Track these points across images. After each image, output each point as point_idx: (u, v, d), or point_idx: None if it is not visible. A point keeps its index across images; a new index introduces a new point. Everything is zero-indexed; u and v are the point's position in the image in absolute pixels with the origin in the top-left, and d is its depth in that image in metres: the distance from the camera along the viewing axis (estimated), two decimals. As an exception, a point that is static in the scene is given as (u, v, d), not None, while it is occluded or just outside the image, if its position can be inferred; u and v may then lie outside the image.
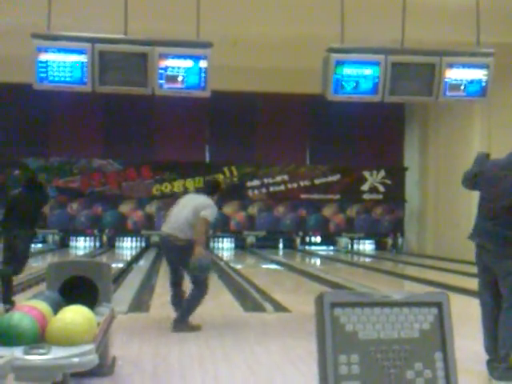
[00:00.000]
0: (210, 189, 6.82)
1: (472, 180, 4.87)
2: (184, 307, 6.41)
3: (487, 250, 4.60)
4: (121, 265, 13.64)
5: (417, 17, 8.08)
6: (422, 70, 6.78)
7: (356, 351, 1.68)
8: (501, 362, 4.41)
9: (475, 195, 16.90)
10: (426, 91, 6.81)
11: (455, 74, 6.78)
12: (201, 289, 6.41)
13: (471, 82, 6.82)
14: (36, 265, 12.18)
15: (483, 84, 6.84)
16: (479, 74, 6.83)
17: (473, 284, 8.99)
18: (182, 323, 6.33)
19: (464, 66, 6.81)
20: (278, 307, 8.09)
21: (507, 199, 4.52)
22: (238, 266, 14.53)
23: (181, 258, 6.33)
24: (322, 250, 20.64)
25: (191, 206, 6.45)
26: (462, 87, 6.82)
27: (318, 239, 21.26)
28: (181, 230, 6.38)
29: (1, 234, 7.76)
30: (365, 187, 21.28)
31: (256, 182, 20.99)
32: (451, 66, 6.76)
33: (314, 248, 20.87)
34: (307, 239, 21.12)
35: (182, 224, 6.39)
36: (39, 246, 19.07)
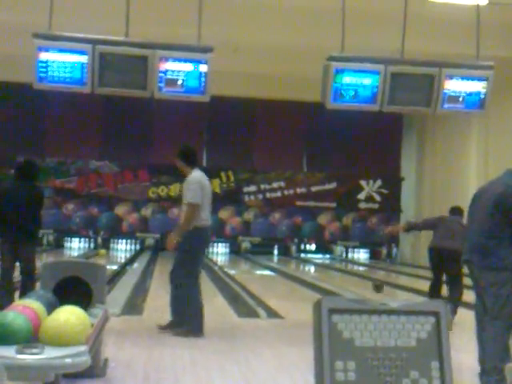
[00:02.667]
0: (184, 158, 6.32)
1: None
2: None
3: (473, 263, 4.63)
4: (115, 267, 13.62)
5: (417, 28, 8.11)
6: (421, 80, 6.80)
7: (353, 358, 1.68)
8: (491, 374, 4.41)
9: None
10: (425, 102, 6.84)
11: (454, 86, 6.80)
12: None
13: (470, 94, 6.85)
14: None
15: (482, 96, 6.86)
16: (478, 87, 6.86)
17: (465, 295, 8.98)
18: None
19: (463, 78, 6.83)
20: (272, 313, 8.08)
21: (486, 212, 4.55)
22: (233, 272, 14.52)
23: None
24: (318, 257, 20.63)
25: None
26: (461, 99, 6.85)
27: (313, 247, 21.24)
28: None
29: None
30: (361, 196, 21.30)
31: (252, 188, 21.00)
32: (450, 77, 6.79)
33: (309, 256, 20.86)
34: (302, 247, 21.10)
35: None
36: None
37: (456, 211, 8.65)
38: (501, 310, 4.46)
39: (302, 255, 20.80)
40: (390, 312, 1.74)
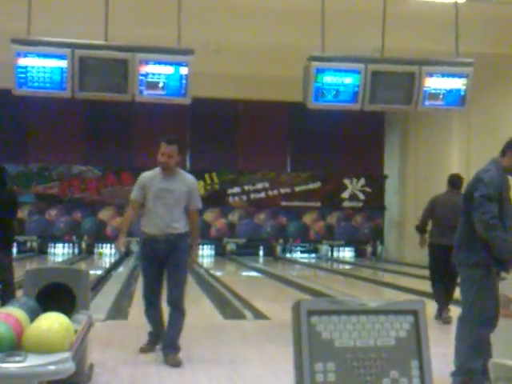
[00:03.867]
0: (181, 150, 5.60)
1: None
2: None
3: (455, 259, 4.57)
4: (99, 272, 13.55)
5: (397, 26, 8.14)
6: (401, 78, 6.83)
7: (332, 359, 1.69)
8: (458, 374, 4.36)
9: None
10: (406, 100, 6.87)
11: (434, 83, 6.84)
12: None
13: (450, 91, 6.89)
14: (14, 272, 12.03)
15: (462, 93, 6.90)
16: (458, 84, 6.90)
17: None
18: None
19: (443, 75, 6.87)
20: (258, 315, 8.08)
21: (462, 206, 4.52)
22: (218, 274, 14.50)
23: None
24: (303, 257, 20.66)
25: None
26: (441, 96, 6.88)
27: (299, 249, 21.23)
28: None
29: None
30: (345, 195, 21.36)
31: (237, 189, 20.98)
32: (430, 75, 6.82)
33: (294, 256, 20.89)
34: (288, 247, 21.11)
35: None
36: (14, 252, 18.86)
37: (454, 182, 7.76)
38: (470, 309, 4.32)
39: (288, 255, 20.81)
40: (369, 312, 1.74)
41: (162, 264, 5.35)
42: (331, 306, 1.72)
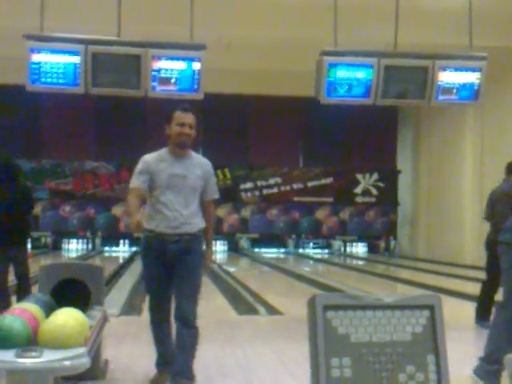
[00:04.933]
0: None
1: None
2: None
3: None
4: (113, 267, 13.60)
5: (410, 20, 8.10)
6: (414, 73, 6.79)
7: (348, 354, 1.68)
8: (485, 360, 4.30)
9: (466, 198, 17.07)
10: (419, 94, 6.82)
11: (448, 78, 6.79)
12: None
13: (464, 85, 6.84)
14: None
15: (476, 88, 6.85)
16: (472, 78, 6.85)
17: (465, 287, 9.02)
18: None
19: (457, 69, 6.82)
20: (271, 310, 8.08)
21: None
22: (231, 269, 14.52)
23: None
24: (316, 252, 20.64)
25: None
26: (455, 91, 6.84)
27: (311, 245, 21.21)
28: None
29: None
30: (358, 190, 21.31)
31: (249, 185, 20.99)
32: (444, 69, 6.77)
33: (307, 251, 20.88)
34: (300, 243, 21.10)
35: None
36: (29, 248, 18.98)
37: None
38: (509, 296, 4.20)
39: (301, 250, 20.81)
40: (385, 307, 1.73)
41: (171, 271, 4.24)
42: (347, 301, 1.71)
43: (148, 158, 4.38)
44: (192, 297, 4.22)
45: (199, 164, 4.36)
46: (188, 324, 4.18)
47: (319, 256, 19.77)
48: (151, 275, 4.34)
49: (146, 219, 4.33)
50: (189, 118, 4.24)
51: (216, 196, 4.46)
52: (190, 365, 4.23)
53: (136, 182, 4.29)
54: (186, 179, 4.25)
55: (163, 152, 4.37)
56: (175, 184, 4.24)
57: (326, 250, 21.01)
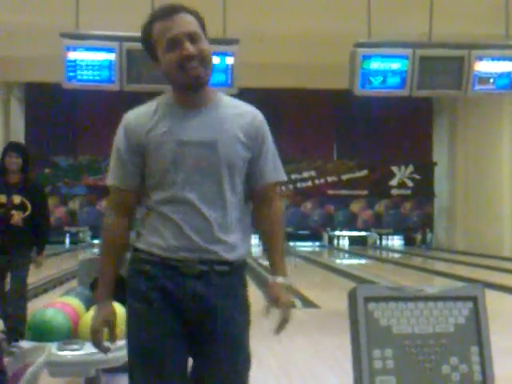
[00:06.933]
0: None
1: None
2: None
3: None
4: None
5: (444, 10, 8.00)
6: (450, 63, 6.71)
7: (390, 346, 1.68)
8: None
9: (504, 189, 16.85)
10: (455, 85, 6.75)
11: (484, 67, 6.70)
12: None
13: (501, 75, 6.75)
14: (67, 262, 12.31)
15: (513, 76, 6.75)
16: (509, 67, 6.75)
17: (504, 279, 8.88)
18: None
19: (493, 58, 6.73)
20: (307, 303, 8.08)
21: None
22: (266, 262, 14.53)
23: None
24: (351, 246, 20.56)
25: None
26: (492, 80, 6.75)
27: (347, 241, 21.07)
28: None
29: None
30: (393, 182, 21.15)
31: (283, 178, 20.99)
32: (480, 58, 6.69)
33: (341, 244, 20.81)
34: (335, 237, 21.02)
35: None
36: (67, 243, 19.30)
37: None
38: None
39: (336, 244, 20.73)
40: (427, 298, 1.73)
41: (187, 334, 2.13)
42: (388, 293, 1.71)
43: (130, 116, 2.30)
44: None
45: (239, 116, 2.22)
46: None
47: (354, 249, 19.68)
48: (146, 343, 2.13)
49: (139, 234, 2.17)
50: (185, 22, 2.17)
51: (281, 177, 2.43)
52: None
53: (115, 175, 2.31)
54: (217, 149, 2.09)
55: (162, 101, 2.20)
56: (195, 161, 2.08)
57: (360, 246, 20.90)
